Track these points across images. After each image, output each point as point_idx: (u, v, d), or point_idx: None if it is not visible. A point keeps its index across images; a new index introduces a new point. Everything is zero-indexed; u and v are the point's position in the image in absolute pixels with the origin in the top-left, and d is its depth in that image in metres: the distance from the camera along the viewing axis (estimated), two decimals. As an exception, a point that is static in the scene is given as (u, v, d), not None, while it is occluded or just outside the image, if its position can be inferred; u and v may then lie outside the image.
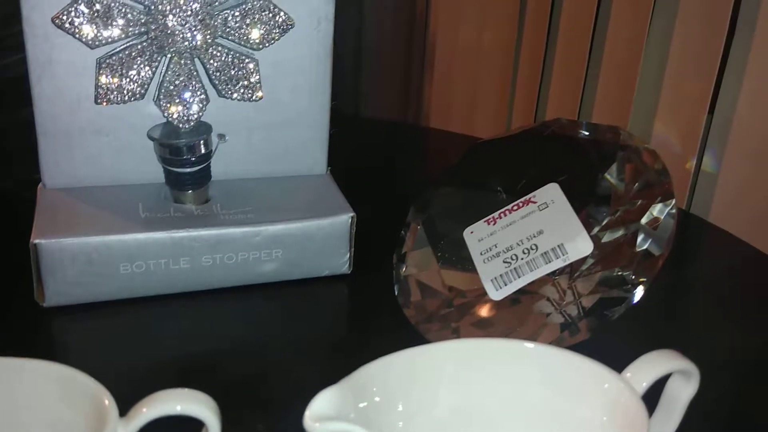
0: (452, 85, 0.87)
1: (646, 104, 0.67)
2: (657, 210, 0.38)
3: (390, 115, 0.94)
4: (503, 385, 0.29)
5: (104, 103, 0.40)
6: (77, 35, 0.38)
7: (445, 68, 0.87)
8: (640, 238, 0.37)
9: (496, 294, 0.37)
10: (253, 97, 0.42)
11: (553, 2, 0.76)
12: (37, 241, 0.39)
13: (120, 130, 0.43)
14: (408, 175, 0.64)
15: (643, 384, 0.27)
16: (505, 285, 0.36)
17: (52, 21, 0.38)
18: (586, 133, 0.41)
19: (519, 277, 0.36)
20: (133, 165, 0.44)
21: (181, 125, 0.42)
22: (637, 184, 0.39)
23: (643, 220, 0.37)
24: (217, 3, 0.40)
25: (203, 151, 0.43)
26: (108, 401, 0.25)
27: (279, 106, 0.45)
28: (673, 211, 0.38)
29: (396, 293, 0.41)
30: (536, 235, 0.37)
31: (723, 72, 0.59)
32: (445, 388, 0.29)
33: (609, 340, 0.38)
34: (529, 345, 0.29)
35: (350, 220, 0.44)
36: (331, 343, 0.41)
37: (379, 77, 0.94)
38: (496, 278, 0.37)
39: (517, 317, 0.38)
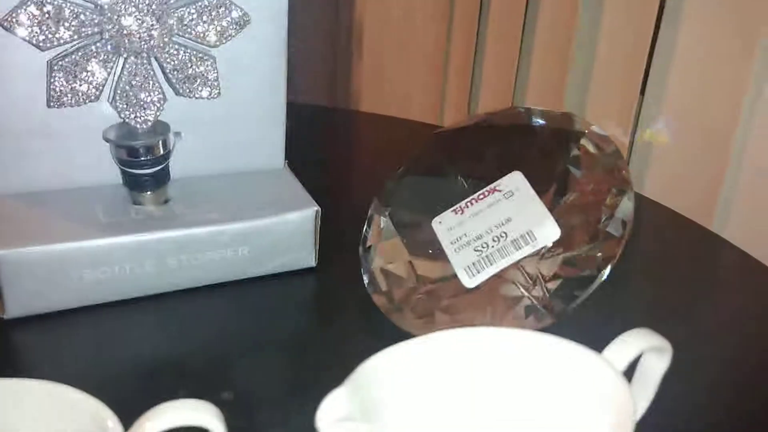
0: (383, 66, 0.88)
1: (579, 87, 0.70)
2: (615, 192, 0.40)
3: (318, 98, 0.94)
4: (493, 371, 0.30)
5: (57, 107, 0.39)
6: (27, 38, 0.37)
7: (375, 49, 0.88)
8: (601, 219, 0.39)
9: (469, 282, 0.38)
10: (212, 95, 0.42)
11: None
12: (-6, 252, 0.38)
13: (73, 132, 0.42)
14: (355, 162, 0.64)
15: (623, 363, 0.29)
16: (478, 273, 0.37)
17: (0, 24, 0.37)
18: (541, 121, 0.43)
19: (491, 264, 0.37)
20: (88, 167, 0.43)
21: (138, 126, 0.41)
22: (593, 168, 0.40)
23: (603, 203, 0.39)
24: (172, 1, 0.39)
25: (162, 151, 0.42)
26: (112, 422, 0.25)
27: (236, 102, 0.44)
28: (631, 193, 0.40)
29: (366, 283, 0.42)
30: (505, 223, 0.38)
31: (652, 55, 0.62)
32: (442, 378, 0.29)
33: (575, 323, 0.39)
34: (514, 332, 0.30)
35: (315, 214, 0.44)
36: (305, 338, 0.41)
37: (305, 60, 0.93)
38: (468, 267, 0.38)
39: (486, 302, 0.39)
